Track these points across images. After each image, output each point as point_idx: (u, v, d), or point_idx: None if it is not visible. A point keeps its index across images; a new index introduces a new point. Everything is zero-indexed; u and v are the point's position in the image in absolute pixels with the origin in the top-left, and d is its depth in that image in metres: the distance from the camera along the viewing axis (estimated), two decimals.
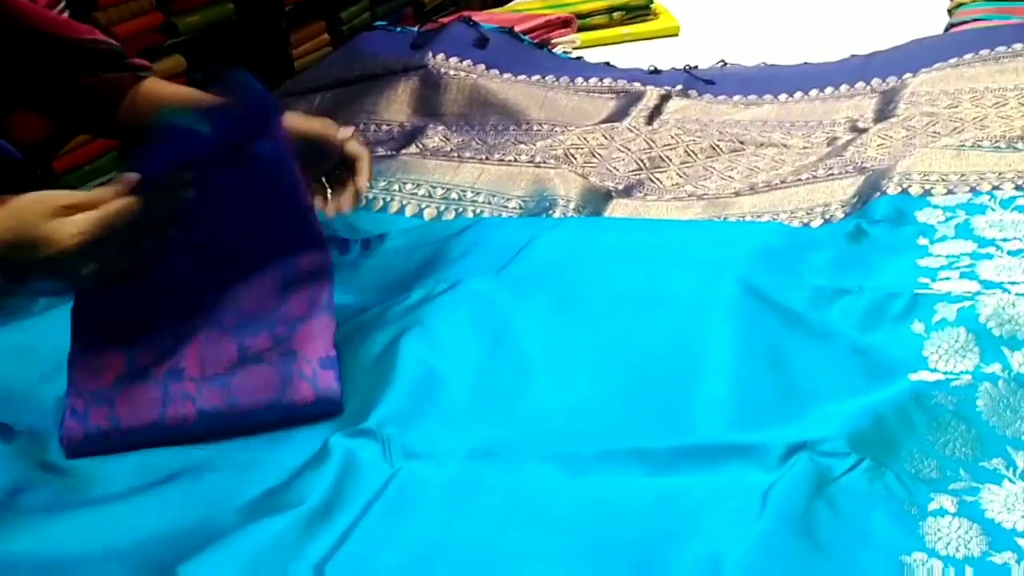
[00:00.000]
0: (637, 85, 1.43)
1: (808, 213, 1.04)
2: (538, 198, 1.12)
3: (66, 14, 1.04)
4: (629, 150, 1.23)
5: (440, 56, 1.46)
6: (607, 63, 1.57)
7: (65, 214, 0.74)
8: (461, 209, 1.14)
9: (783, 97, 1.40)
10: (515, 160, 1.20)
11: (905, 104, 1.24)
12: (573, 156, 1.21)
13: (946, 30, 1.57)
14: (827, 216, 1.03)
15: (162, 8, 2.30)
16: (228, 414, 0.79)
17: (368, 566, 0.63)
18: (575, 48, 1.74)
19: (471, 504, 0.68)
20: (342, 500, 0.68)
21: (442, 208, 1.15)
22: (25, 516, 0.70)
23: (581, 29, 1.81)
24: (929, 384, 0.73)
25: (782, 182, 1.12)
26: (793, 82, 1.43)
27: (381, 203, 1.17)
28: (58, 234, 0.73)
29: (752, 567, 0.60)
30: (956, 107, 1.20)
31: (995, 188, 0.97)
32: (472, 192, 1.17)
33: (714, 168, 1.19)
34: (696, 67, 1.52)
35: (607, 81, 1.45)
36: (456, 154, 1.26)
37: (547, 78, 1.46)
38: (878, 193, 1.00)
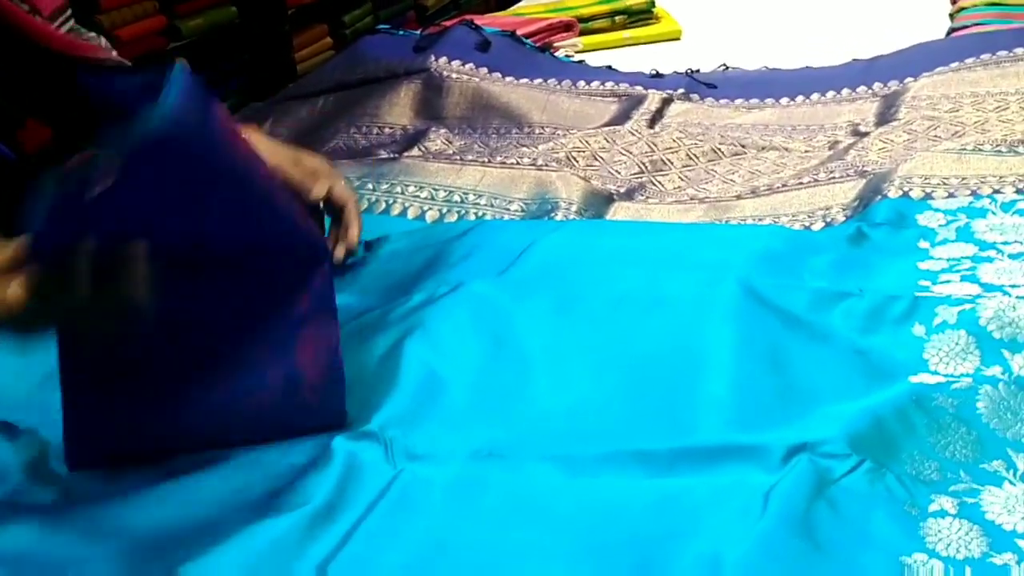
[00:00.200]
0: (639, 89, 1.43)
1: (809, 216, 1.04)
2: (540, 201, 1.13)
3: (71, 20, 1.04)
4: (631, 153, 1.23)
5: (442, 59, 1.47)
6: (609, 67, 1.57)
7: None
8: (463, 212, 1.14)
9: (785, 101, 1.41)
10: (517, 163, 1.20)
11: (906, 108, 1.24)
12: (575, 159, 1.21)
13: (947, 34, 1.57)
14: (828, 219, 1.03)
15: (165, 11, 2.31)
16: (234, 440, 0.76)
17: (371, 566, 0.63)
18: (577, 52, 1.74)
19: (473, 505, 0.68)
20: (345, 501, 0.68)
21: (444, 211, 1.15)
22: (25, 516, 0.70)
23: (583, 33, 1.81)
24: (929, 386, 0.73)
25: (783, 185, 1.12)
26: (795, 86, 1.43)
27: (383, 206, 1.17)
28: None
29: (753, 567, 0.60)
30: (957, 111, 1.20)
31: (996, 192, 0.97)
32: (474, 195, 1.17)
33: (716, 171, 1.19)
34: (698, 71, 1.52)
35: (609, 85, 1.45)
36: (458, 157, 1.26)
37: (549, 81, 1.46)
38: (879, 196, 1.01)
